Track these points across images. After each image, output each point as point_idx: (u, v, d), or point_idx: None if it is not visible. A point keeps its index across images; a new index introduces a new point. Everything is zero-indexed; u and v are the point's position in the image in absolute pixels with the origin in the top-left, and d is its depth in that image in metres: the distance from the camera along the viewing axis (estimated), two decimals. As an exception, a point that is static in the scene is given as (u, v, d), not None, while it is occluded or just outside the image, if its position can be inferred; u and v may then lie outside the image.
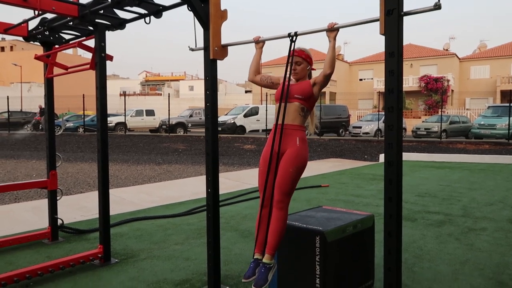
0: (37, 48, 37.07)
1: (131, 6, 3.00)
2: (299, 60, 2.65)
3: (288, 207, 2.51)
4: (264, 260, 2.44)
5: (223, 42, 2.87)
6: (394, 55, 2.01)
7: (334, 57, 2.45)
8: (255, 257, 2.51)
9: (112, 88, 43.35)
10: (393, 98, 2.02)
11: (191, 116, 23.68)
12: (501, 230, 4.44)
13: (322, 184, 7.47)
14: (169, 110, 20.97)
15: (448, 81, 32.86)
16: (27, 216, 5.17)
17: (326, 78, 2.53)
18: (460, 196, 6.39)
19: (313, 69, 2.75)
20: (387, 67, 2.03)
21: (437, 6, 1.91)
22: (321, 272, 2.58)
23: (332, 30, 2.37)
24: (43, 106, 23.56)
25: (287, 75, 2.58)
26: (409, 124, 23.34)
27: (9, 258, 3.65)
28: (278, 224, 2.44)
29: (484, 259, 3.55)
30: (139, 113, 24.29)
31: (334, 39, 2.38)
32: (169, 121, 21.48)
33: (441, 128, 17.97)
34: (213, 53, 2.83)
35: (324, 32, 2.42)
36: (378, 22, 2.07)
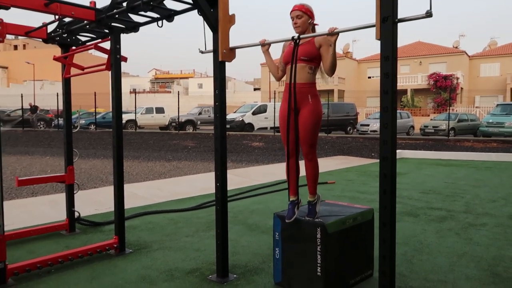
0: (49, 47, 37.58)
1: (145, 11, 3.19)
2: (300, 13, 2.81)
3: (316, 156, 2.89)
4: (309, 199, 2.94)
5: (231, 45, 3.05)
6: (389, 59, 2.17)
7: (335, 62, 2.64)
8: (290, 199, 2.92)
9: (122, 86, 43.64)
10: (388, 99, 2.19)
11: (200, 113, 23.95)
12: (500, 226, 4.57)
13: (328, 181, 7.63)
14: (178, 107, 21.23)
15: (457, 78, 32.65)
16: (44, 209, 5.42)
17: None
18: (463, 193, 6.50)
19: (316, 24, 2.90)
20: (382, 69, 2.20)
21: (429, 14, 2.07)
22: (322, 261, 2.76)
23: (333, 35, 2.54)
24: (33, 103, 24.16)
25: (293, 77, 2.76)
26: (418, 122, 23.31)
27: (30, 247, 3.89)
28: (312, 171, 2.89)
29: (481, 252, 3.69)
30: (149, 110, 24.62)
31: (334, 43, 2.54)
32: (178, 118, 21.75)
33: (448, 126, 17.97)
34: (222, 55, 3.01)
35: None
36: (374, 28, 2.23)
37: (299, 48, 2.79)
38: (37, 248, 3.88)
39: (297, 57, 2.77)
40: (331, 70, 2.64)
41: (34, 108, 23.50)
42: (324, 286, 2.75)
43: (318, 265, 2.77)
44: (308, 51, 2.77)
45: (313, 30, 2.90)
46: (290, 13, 2.84)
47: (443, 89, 32.26)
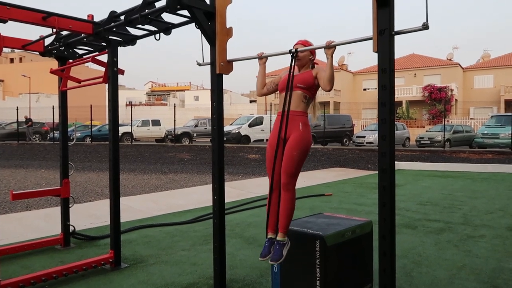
0: (46, 60, 37.68)
1: (143, 25, 3.20)
2: (302, 47, 2.83)
3: (295, 189, 2.72)
4: (278, 238, 2.70)
5: (229, 57, 3.06)
6: (386, 71, 2.17)
7: (333, 74, 2.63)
8: (268, 236, 2.75)
9: (118, 98, 43.75)
10: (385, 111, 2.19)
11: (196, 126, 23.93)
12: (499, 237, 4.55)
13: (326, 193, 7.60)
14: (174, 120, 21.20)
15: (451, 90, 32.93)
16: (39, 223, 5.35)
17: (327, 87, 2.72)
18: (461, 205, 6.49)
19: (316, 63, 2.91)
20: (380, 82, 2.20)
21: (425, 26, 2.08)
22: (321, 274, 2.72)
23: (330, 47, 2.55)
24: (28, 116, 24.17)
25: (290, 86, 2.75)
26: (413, 133, 23.39)
27: (24, 262, 3.82)
28: (287, 205, 2.68)
29: (480, 264, 3.67)
30: (145, 123, 24.57)
31: (332, 56, 2.55)
32: (174, 131, 21.71)
33: (444, 137, 18.04)
34: (219, 68, 3.01)
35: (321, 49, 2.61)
36: (371, 41, 2.24)
37: (297, 77, 2.78)
38: (32, 263, 3.81)
39: (294, 83, 2.76)
40: (329, 82, 2.63)
41: (28, 120, 23.55)
42: (323, 300, 2.71)
43: (317, 278, 2.73)
44: (305, 79, 2.76)
45: (312, 67, 2.88)
46: (293, 46, 2.84)
47: (437, 101, 32.49)
